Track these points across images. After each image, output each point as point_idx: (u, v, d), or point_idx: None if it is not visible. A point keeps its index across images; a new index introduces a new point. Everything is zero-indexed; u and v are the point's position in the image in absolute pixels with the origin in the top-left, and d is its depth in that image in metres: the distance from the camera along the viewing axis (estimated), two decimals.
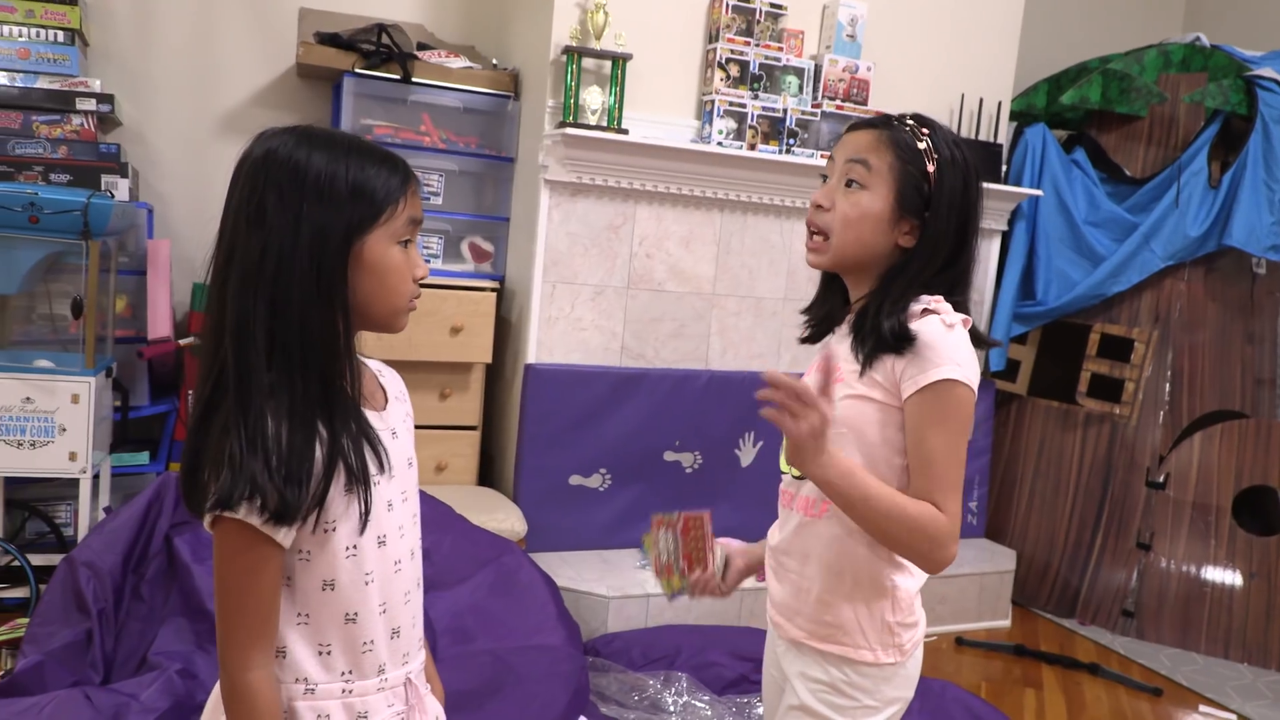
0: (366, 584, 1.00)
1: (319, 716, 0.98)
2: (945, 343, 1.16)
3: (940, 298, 1.21)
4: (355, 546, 0.99)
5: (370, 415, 1.02)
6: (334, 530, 0.96)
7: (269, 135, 0.98)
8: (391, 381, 1.12)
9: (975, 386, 1.17)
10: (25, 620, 2.41)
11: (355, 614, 1.00)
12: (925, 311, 1.19)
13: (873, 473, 1.19)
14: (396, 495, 1.04)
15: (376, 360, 1.13)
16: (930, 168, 1.21)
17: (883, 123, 1.25)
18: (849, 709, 1.23)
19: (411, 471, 1.09)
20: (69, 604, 2.17)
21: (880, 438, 1.20)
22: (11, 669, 2.13)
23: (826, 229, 1.25)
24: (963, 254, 1.24)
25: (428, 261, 3.20)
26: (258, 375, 0.92)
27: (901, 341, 1.16)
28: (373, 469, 0.99)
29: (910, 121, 1.24)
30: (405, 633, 1.06)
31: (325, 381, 0.95)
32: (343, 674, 1.00)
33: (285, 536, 0.93)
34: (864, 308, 1.24)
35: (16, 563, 2.58)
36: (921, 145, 1.22)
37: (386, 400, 1.08)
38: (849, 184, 1.23)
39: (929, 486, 1.16)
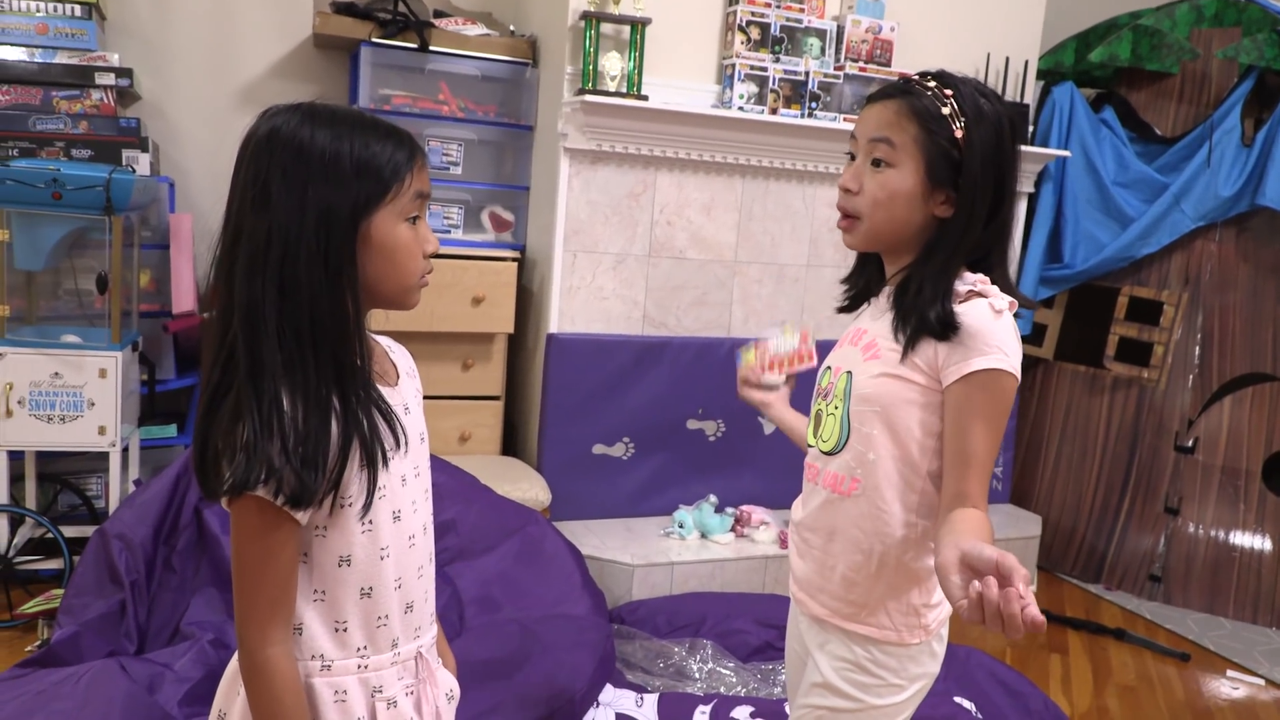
0: (382, 559, 1.00)
1: (336, 693, 0.99)
2: (992, 330, 1.12)
3: (986, 278, 1.17)
4: (371, 522, 0.99)
5: (384, 391, 1.02)
6: (350, 506, 0.97)
7: (273, 113, 0.96)
8: (401, 358, 1.12)
9: (1019, 374, 1.13)
10: (60, 591, 2.45)
11: (371, 589, 1.00)
12: (971, 294, 1.15)
13: (903, 452, 1.18)
14: (410, 470, 1.04)
15: (386, 337, 1.13)
16: (958, 133, 1.16)
17: (902, 90, 1.19)
18: (874, 687, 1.22)
19: (423, 446, 1.09)
20: (102, 576, 2.20)
21: (916, 419, 1.17)
22: (48, 639, 2.18)
23: (857, 212, 1.21)
24: (1000, 211, 1.19)
25: (447, 232, 3.19)
26: (269, 358, 0.91)
27: (948, 329, 1.13)
28: (389, 445, 0.98)
29: (931, 84, 1.18)
30: (418, 607, 1.06)
31: (338, 361, 0.94)
32: (358, 650, 1.00)
33: (303, 514, 0.93)
34: (904, 282, 1.20)
35: (50, 535, 2.62)
36: (946, 110, 1.16)
37: (398, 376, 1.08)
38: (875, 163, 1.19)
39: (964, 477, 1.12)
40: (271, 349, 0.91)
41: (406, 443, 1.02)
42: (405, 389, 1.07)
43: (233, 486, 0.91)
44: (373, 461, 0.96)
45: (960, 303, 1.14)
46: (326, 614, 0.99)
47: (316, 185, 0.92)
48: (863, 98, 3.14)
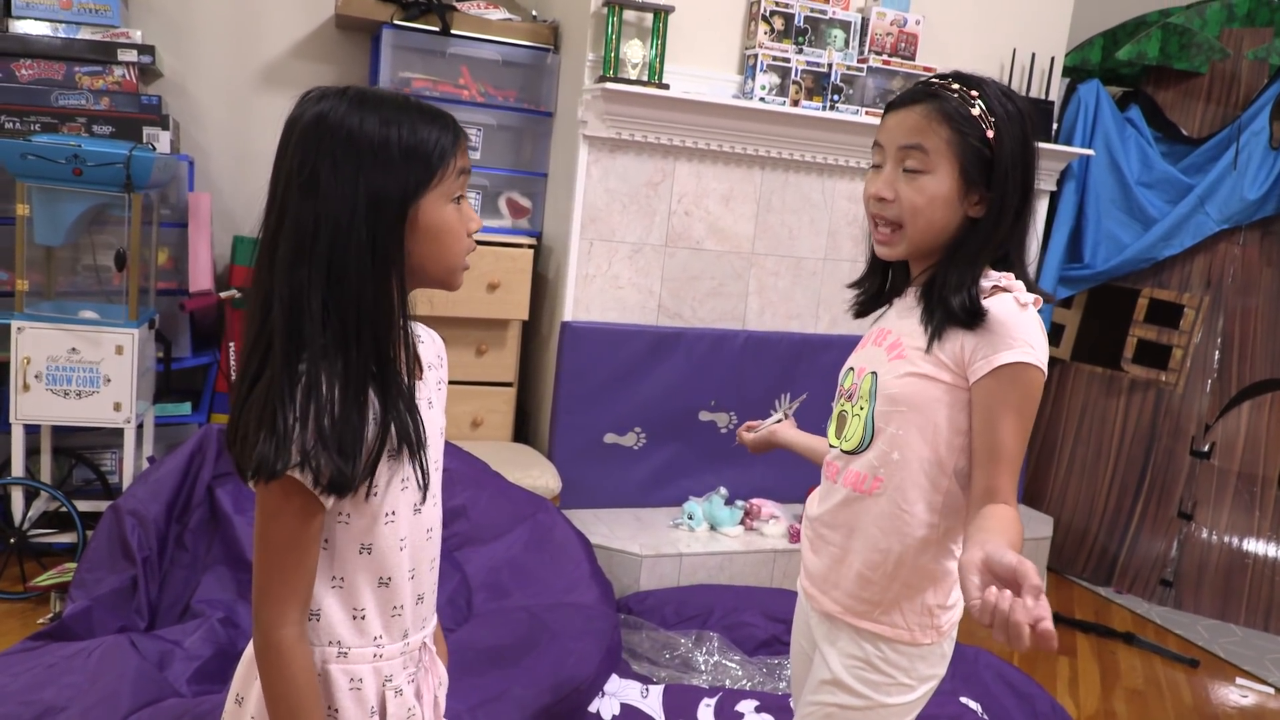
0: (400, 549, 1.01)
1: (351, 680, 0.99)
2: (1018, 323, 1.11)
3: (1011, 275, 1.17)
4: (394, 513, 0.99)
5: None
6: (377, 497, 0.96)
7: (318, 97, 0.95)
8: (429, 348, 1.11)
9: (1046, 367, 1.13)
10: (73, 565, 2.47)
11: (389, 579, 1.00)
12: (996, 289, 1.14)
13: (930, 452, 1.17)
14: (431, 464, 1.04)
15: (418, 324, 1.12)
16: (989, 132, 1.15)
17: (926, 94, 1.18)
18: (883, 685, 1.22)
19: (441, 439, 1.09)
20: (115, 551, 2.22)
21: (943, 417, 1.16)
22: (60, 613, 2.19)
23: (897, 220, 1.19)
24: (1025, 208, 1.19)
25: None
26: (312, 345, 0.91)
27: (973, 317, 1.12)
28: (420, 439, 0.98)
29: (955, 86, 1.17)
30: (428, 598, 1.07)
31: (380, 350, 0.94)
32: (375, 639, 1.00)
33: (330, 500, 0.93)
34: (932, 279, 1.20)
35: (64, 509, 2.64)
36: (975, 110, 1.15)
37: (422, 370, 1.07)
38: (907, 170, 1.18)
39: (994, 472, 1.12)
40: (315, 335, 0.91)
41: (425, 440, 1.02)
42: (428, 382, 1.07)
43: (264, 469, 0.90)
44: (413, 452, 0.96)
45: (985, 298, 1.14)
46: (345, 601, 0.99)
47: (367, 172, 0.92)
48: (887, 91, 3.11)
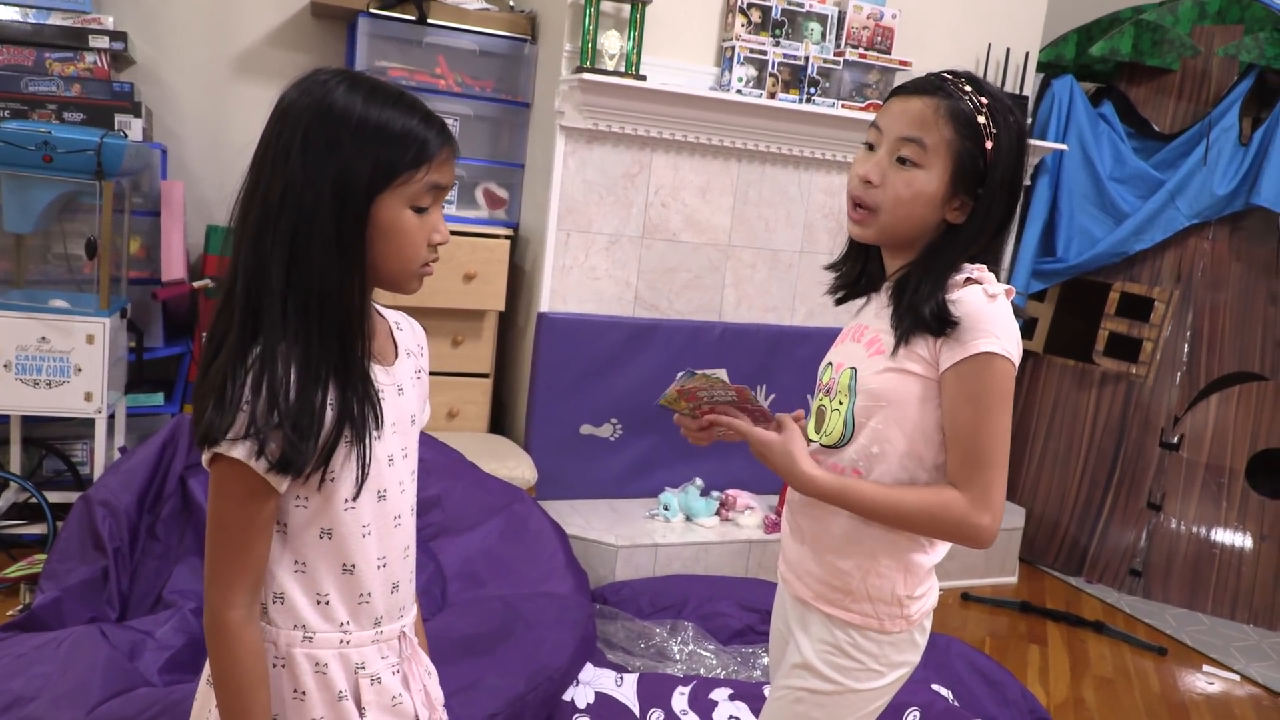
0: (364, 536, 1.00)
1: (316, 665, 0.99)
2: (987, 314, 1.12)
3: (984, 266, 1.17)
4: (354, 499, 0.99)
5: (376, 370, 1.01)
6: (334, 481, 0.96)
7: (312, 75, 0.96)
8: (408, 335, 1.11)
9: (1017, 359, 1.13)
10: (43, 556, 2.45)
11: (353, 565, 1.00)
12: (969, 281, 1.15)
13: (910, 446, 1.18)
14: (398, 451, 1.03)
15: (397, 312, 1.12)
16: (988, 144, 1.15)
17: (937, 88, 1.17)
18: (852, 670, 1.23)
19: (414, 428, 1.08)
20: (86, 542, 2.20)
21: (919, 412, 1.17)
22: (30, 604, 2.17)
23: (875, 206, 1.19)
24: (1008, 223, 1.20)
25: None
26: (270, 320, 0.91)
27: (943, 325, 1.13)
28: (370, 426, 0.97)
29: (968, 88, 1.17)
30: (403, 587, 1.06)
31: (339, 332, 0.93)
32: (341, 625, 1.00)
33: (281, 482, 0.93)
34: (903, 279, 1.20)
35: (34, 500, 2.61)
36: (981, 120, 1.15)
37: (396, 355, 1.07)
38: (900, 160, 1.17)
39: (954, 463, 1.15)
40: (273, 310, 0.91)
41: (393, 424, 1.01)
42: (402, 369, 1.06)
43: (207, 438, 0.90)
44: (360, 439, 0.95)
45: (956, 290, 1.15)
46: (307, 585, 0.98)
47: (338, 153, 0.91)
48: (863, 84, 3.13)
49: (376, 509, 1.01)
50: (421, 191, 0.96)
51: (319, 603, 0.99)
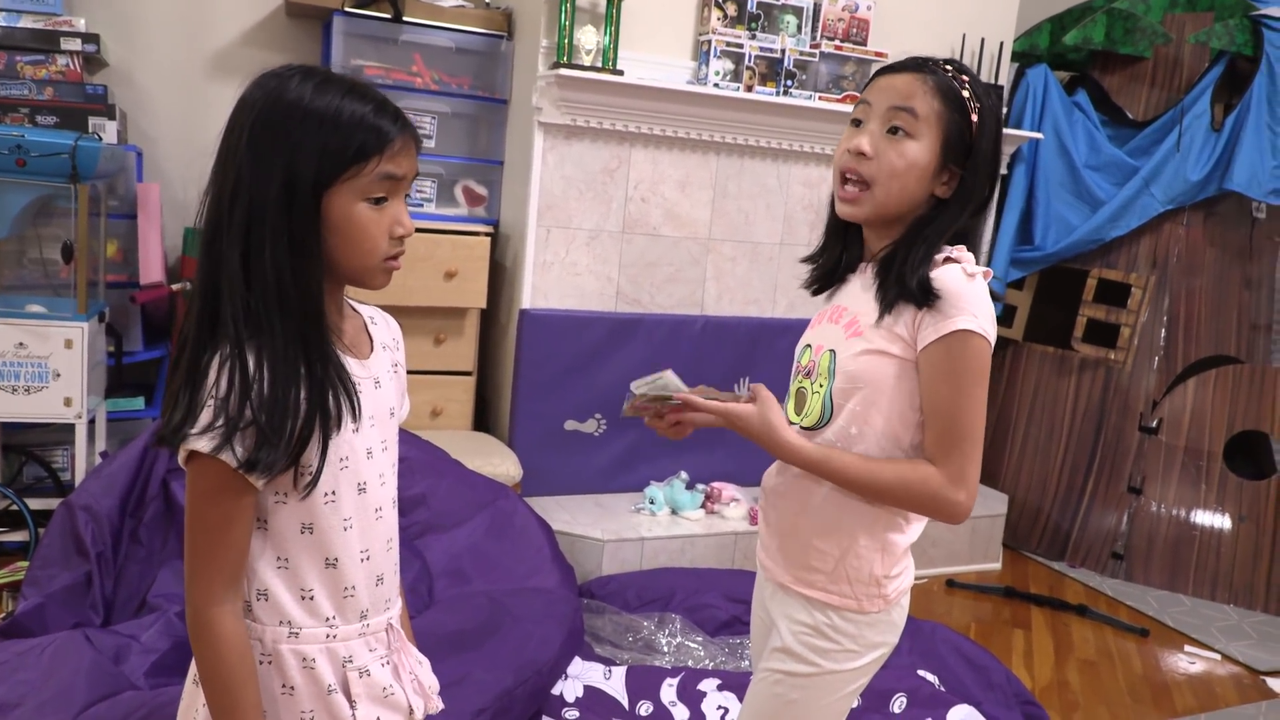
0: (345, 529, 1.00)
1: (303, 660, 0.99)
2: (965, 292, 1.14)
3: (963, 247, 1.19)
4: (335, 492, 0.98)
5: (351, 364, 1.00)
6: (310, 476, 0.96)
7: (269, 71, 0.96)
8: (382, 330, 1.10)
9: (993, 339, 1.15)
10: (25, 563, 2.43)
11: (335, 559, 1.00)
12: (947, 260, 1.17)
13: (888, 426, 1.19)
14: (376, 444, 1.03)
15: (371, 306, 1.12)
16: (974, 116, 1.19)
17: (920, 65, 1.21)
18: (831, 652, 1.24)
19: (393, 421, 1.08)
20: (68, 547, 2.18)
21: (896, 393, 1.18)
22: (13, 611, 2.16)
23: (870, 179, 1.19)
24: (989, 201, 1.23)
25: (420, 205, 3.17)
26: (235, 314, 0.91)
27: (927, 295, 1.14)
28: (345, 418, 0.97)
29: (948, 67, 1.21)
30: (388, 579, 1.06)
31: (303, 328, 0.93)
32: (327, 619, 1.00)
33: (258, 479, 0.93)
34: (889, 256, 1.21)
35: (15, 507, 2.59)
36: (965, 93, 1.19)
37: (372, 349, 1.07)
38: (892, 131, 1.19)
39: (931, 439, 1.16)
40: (234, 309, 0.91)
41: (370, 417, 1.01)
42: (377, 362, 1.06)
43: (167, 439, 0.90)
44: (326, 434, 0.95)
45: (934, 269, 1.16)
46: (291, 582, 0.98)
47: (285, 146, 0.91)
48: (839, 76, 3.14)
49: (357, 502, 1.01)
50: (373, 183, 0.94)
51: (303, 598, 0.99)
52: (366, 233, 0.95)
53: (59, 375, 2.54)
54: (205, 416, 0.89)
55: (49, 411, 2.55)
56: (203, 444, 0.89)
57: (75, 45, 2.83)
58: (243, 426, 0.89)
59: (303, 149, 0.91)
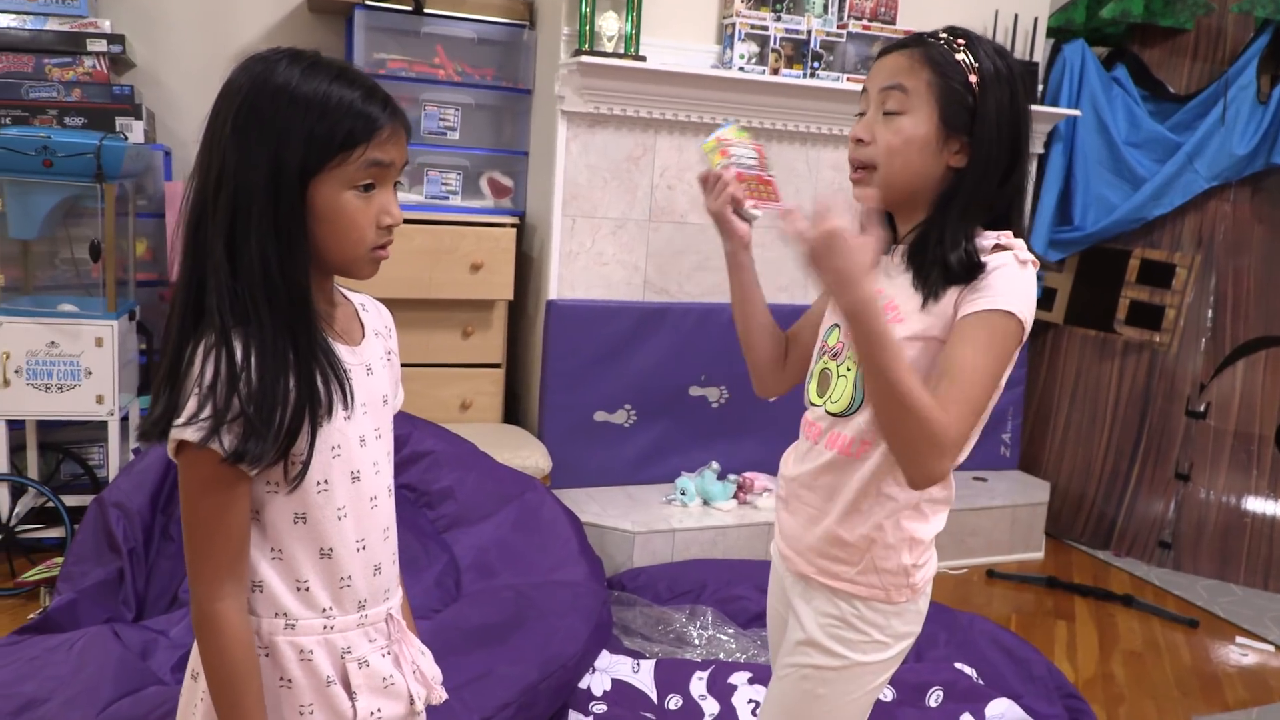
0: (340, 519, 0.98)
1: (301, 652, 0.97)
2: (1014, 279, 1.11)
3: (1010, 233, 1.15)
4: (327, 481, 0.97)
5: (342, 350, 0.98)
6: (299, 466, 0.94)
7: (256, 55, 0.93)
8: (374, 317, 1.08)
9: (1028, 328, 1.12)
10: (61, 560, 2.46)
11: (330, 549, 0.98)
12: (997, 247, 1.13)
13: None
14: (370, 431, 1.01)
15: (362, 294, 1.10)
16: (972, 77, 1.14)
17: (913, 42, 1.18)
18: (858, 643, 1.20)
19: (387, 409, 1.06)
20: (100, 543, 2.21)
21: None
22: (47, 607, 2.18)
23: (871, 162, 1.18)
24: (1016, 169, 1.18)
25: (445, 198, 3.16)
26: (220, 304, 0.89)
27: (972, 271, 1.11)
28: (337, 405, 0.96)
29: (943, 35, 1.18)
30: (386, 569, 1.04)
31: (290, 318, 0.91)
32: (324, 610, 0.98)
33: (251, 468, 0.91)
34: (921, 236, 1.17)
35: (52, 504, 2.62)
36: (959, 57, 1.15)
37: (363, 336, 1.04)
38: (888, 113, 1.17)
39: (940, 392, 1.07)
40: (219, 298, 0.89)
41: (364, 404, 0.99)
42: (369, 349, 1.04)
43: (151, 432, 0.89)
44: (315, 424, 0.93)
45: (985, 256, 1.13)
46: (286, 573, 0.97)
47: (268, 128, 0.89)
48: (867, 57, 3.07)
49: (351, 491, 0.99)
50: (360, 171, 0.92)
51: (299, 589, 0.97)
52: (353, 222, 0.93)
53: (90, 373, 2.56)
54: (191, 406, 0.88)
55: (81, 409, 2.58)
56: (190, 434, 0.87)
57: (101, 46, 2.86)
58: (230, 418, 0.87)
59: (289, 135, 0.89)
